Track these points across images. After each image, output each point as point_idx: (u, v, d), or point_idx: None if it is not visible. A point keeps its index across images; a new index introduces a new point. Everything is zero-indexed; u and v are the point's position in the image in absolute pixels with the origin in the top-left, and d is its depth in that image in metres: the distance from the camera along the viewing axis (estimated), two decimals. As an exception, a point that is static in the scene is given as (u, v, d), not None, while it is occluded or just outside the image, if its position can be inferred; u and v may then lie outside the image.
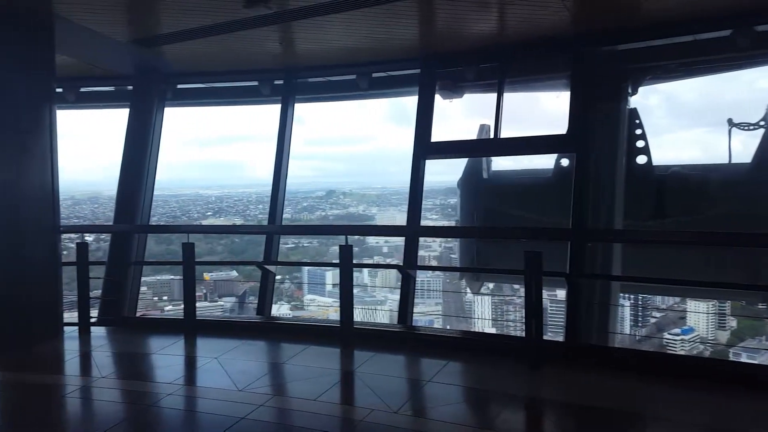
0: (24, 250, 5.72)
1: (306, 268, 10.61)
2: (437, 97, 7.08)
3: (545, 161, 7.51)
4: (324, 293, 10.42)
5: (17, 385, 4.82)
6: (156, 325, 6.46)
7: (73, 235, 7.21)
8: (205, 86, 8.06)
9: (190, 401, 4.39)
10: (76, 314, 6.26)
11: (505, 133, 6.84)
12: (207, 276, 10.50)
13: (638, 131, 6.54)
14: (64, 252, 6.60)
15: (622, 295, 7.21)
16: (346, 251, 5.46)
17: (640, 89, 6.71)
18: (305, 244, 10.92)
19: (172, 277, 10.29)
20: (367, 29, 6.22)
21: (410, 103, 9.62)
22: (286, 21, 5.94)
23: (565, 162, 6.88)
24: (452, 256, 9.50)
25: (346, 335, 5.51)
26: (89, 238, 7.52)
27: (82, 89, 8.14)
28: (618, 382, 4.56)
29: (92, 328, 6.23)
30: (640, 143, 6.52)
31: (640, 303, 8.03)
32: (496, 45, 6.72)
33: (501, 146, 6.79)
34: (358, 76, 7.37)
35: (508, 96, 6.89)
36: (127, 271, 7.23)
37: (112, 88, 8.32)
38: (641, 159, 6.51)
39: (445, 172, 8.30)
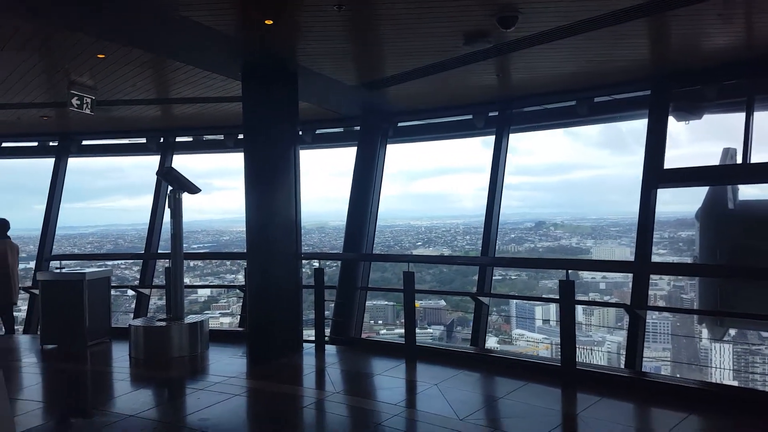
0: (274, 274, 6.55)
1: (514, 301, 10.35)
2: (670, 120, 6.47)
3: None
4: (533, 329, 10.05)
5: (265, 394, 5.46)
6: (379, 347, 6.85)
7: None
8: (422, 123, 8.51)
9: (414, 425, 4.52)
10: (312, 332, 6.94)
11: (756, 158, 5.96)
12: (417, 303, 10.91)
13: None
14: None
15: None
16: (566, 287, 5.21)
17: None
18: (512, 277, 10.68)
19: (385, 302, 10.89)
20: (591, 53, 5.98)
21: (626, 127, 8.90)
22: (504, 53, 6.00)
23: (838, 189, 5.73)
24: (683, 295, 8.46)
25: (567, 376, 5.21)
26: (316, 263, 8.33)
27: (318, 131, 9.20)
28: None
29: (326, 346, 6.86)
30: None
31: None
32: (744, 59, 5.96)
33: (754, 172, 5.91)
34: (578, 102, 7.11)
35: (759, 115, 6.02)
36: (354, 296, 7.84)
37: (341, 129, 9.25)
38: None
39: (673, 202, 7.48)
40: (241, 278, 10.96)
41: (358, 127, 8.76)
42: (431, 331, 10.66)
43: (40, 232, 10.05)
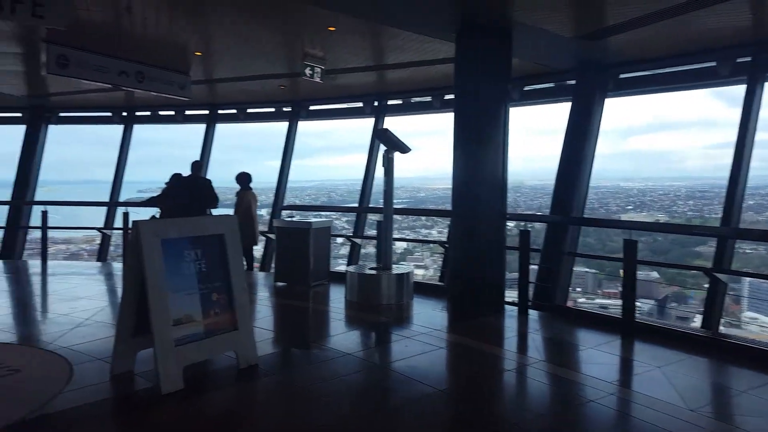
0: (478, 233, 6.52)
1: (747, 279, 9.00)
2: None
3: None
4: (772, 313, 8.66)
5: (468, 352, 5.44)
6: (587, 318, 6.43)
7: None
8: (649, 73, 7.58)
9: (633, 407, 4.14)
10: (514, 295, 6.80)
11: None
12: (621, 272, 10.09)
13: None
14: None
15: None
16: None
17: None
18: (747, 251, 9.27)
19: (585, 269, 10.24)
20: None
21: None
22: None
23: None
24: None
25: (836, 378, 4.33)
26: (511, 224, 8.01)
27: (525, 88, 8.77)
28: None
29: (529, 311, 6.67)
30: None
31: None
32: None
33: None
34: None
35: None
36: (560, 261, 7.48)
37: (551, 85, 8.70)
38: None
39: None
40: (435, 233, 11.25)
41: (571, 82, 8.15)
42: (639, 304, 9.83)
43: (275, 185, 11.56)
